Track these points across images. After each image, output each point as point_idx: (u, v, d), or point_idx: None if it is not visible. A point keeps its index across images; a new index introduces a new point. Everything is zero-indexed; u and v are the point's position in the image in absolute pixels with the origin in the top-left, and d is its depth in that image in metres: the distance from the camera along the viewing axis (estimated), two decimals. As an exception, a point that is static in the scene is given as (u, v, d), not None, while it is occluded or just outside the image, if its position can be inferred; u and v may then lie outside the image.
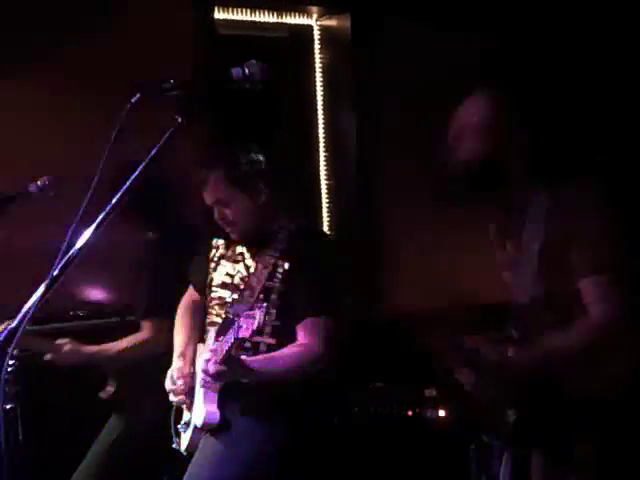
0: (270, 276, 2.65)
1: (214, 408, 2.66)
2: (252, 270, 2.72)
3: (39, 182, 2.71)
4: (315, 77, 4.91)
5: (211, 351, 2.60)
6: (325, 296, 2.66)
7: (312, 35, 4.91)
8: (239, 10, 4.67)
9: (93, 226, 1.86)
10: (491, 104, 2.36)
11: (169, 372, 2.83)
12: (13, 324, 1.75)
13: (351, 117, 4.85)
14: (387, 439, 3.99)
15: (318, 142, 4.91)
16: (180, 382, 2.77)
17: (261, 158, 2.78)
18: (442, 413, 3.86)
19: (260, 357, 2.62)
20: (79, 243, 1.84)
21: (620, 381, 2.28)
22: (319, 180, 4.91)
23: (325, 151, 4.92)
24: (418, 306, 4.61)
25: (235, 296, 2.74)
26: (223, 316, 2.79)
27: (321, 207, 4.91)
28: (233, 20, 4.66)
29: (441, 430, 3.87)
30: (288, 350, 2.64)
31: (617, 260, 2.23)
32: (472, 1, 4.89)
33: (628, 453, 2.29)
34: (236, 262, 2.80)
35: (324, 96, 4.91)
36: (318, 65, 4.91)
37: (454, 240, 4.86)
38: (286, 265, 2.65)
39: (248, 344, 2.63)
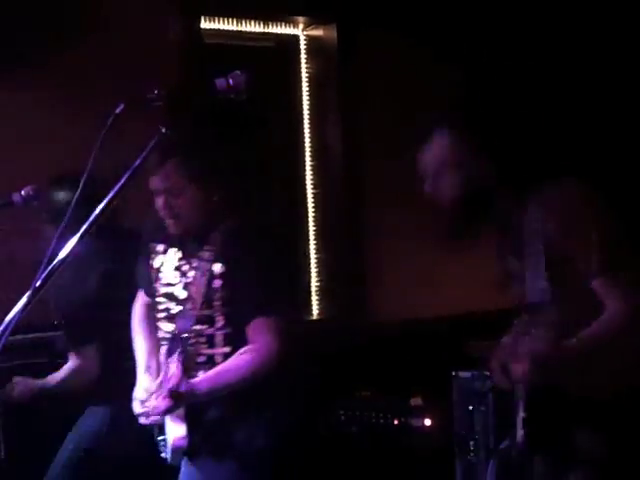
0: (209, 283, 2.56)
1: (182, 432, 2.58)
2: (190, 279, 2.61)
3: (23, 192, 2.69)
4: (301, 87, 4.92)
5: (161, 383, 2.55)
6: (269, 294, 2.58)
7: (298, 45, 4.92)
8: (226, 20, 4.68)
9: (77, 236, 1.86)
10: (459, 137, 2.37)
11: (136, 392, 2.70)
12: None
13: (337, 126, 4.87)
14: (373, 448, 3.99)
15: (304, 151, 4.92)
16: (152, 403, 2.64)
17: (222, 155, 2.69)
18: (428, 422, 3.86)
19: (210, 374, 2.56)
20: (62, 253, 1.84)
21: (625, 381, 2.30)
22: (305, 189, 4.92)
23: (311, 160, 4.93)
24: (403, 315, 4.62)
25: (180, 308, 2.64)
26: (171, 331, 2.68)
27: (307, 215, 4.92)
28: (220, 30, 4.67)
29: (427, 439, 3.87)
30: (238, 358, 2.56)
31: (622, 257, 2.28)
32: (455, 16, 4.92)
33: (634, 454, 2.31)
34: (175, 269, 2.68)
35: (310, 105, 4.92)
36: (304, 75, 4.92)
37: (438, 249, 4.87)
38: (223, 268, 2.57)
39: (203, 358, 2.57)
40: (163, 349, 2.67)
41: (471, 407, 3.53)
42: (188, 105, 2.15)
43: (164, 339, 2.69)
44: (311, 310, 4.89)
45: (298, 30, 4.92)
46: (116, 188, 1.91)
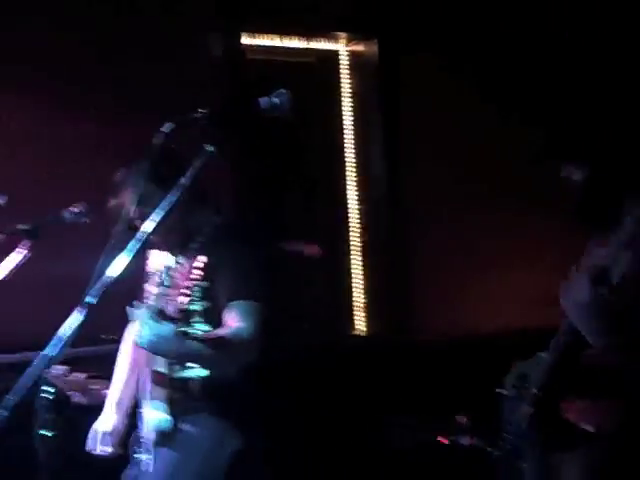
0: (191, 273, 2.58)
1: (164, 415, 2.59)
2: (175, 272, 2.64)
3: (73, 209, 2.74)
4: (343, 102, 4.93)
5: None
6: (248, 281, 2.58)
7: (340, 60, 4.93)
8: (268, 36, 4.71)
9: (128, 254, 1.89)
10: None
11: (99, 424, 2.76)
12: (51, 351, 1.78)
13: (380, 139, 4.86)
14: (419, 465, 3.96)
15: (347, 167, 4.91)
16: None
17: (171, 151, 2.47)
18: (474, 440, 3.82)
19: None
20: (115, 270, 1.88)
21: None
22: (349, 205, 4.90)
23: (355, 175, 4.93)
24: (448, 331, 4.60)
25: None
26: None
27: (352, 232, 4.89)
28: (261, 46, 4.71)
29: (473, 457, 3.83)
30: (221, 328, 2.55)
31: None
32: (497, 35, 4.91)
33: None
34: (165, 269, 2.69)
35: (353, 120, 4.92)
36: (346, 90, 4.93)
37: (486, 264, 4.85)
38: (205, 260, 2.59)
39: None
40: None
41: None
42: (233, 123, 2.18)
43: None
44: (357, 326, 4.87)
45: (339, 45, 4.94)
46: (167, 206, 1.95)
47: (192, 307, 2.59)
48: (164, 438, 2.62)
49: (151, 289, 2.74)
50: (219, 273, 2.58)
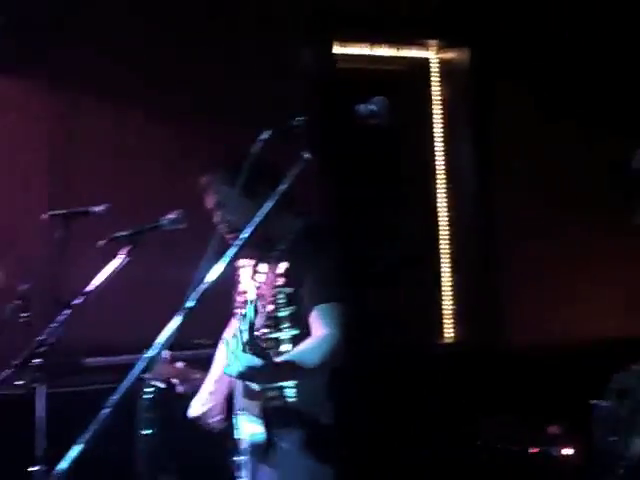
0: (275, 281, 2.57)
1: (259, 429, 2.58)
2: (260, 282, 2.64)
3: (170, 215, 2.80)
4: (433, 109, 4.91)
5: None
6: (329, 283, 2.55)
7: (431, 68, 4.91)
8: (358, 45, 4.73)
9: (225, 259, 1.93)
10: None
11: (198, 398, 2.77)
12: (152, 353, 1.83)
13: (470, 148, 4.83)
14: (508, 476, 3.91)
15: (437, 174, 4.89)
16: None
17: (263, 159, 2.43)
18: (567, 451, 3.75)
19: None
20: (212, 275, 1.92)
21: None
22: (439, 211, 4.87)
23: (444, 183, 4.90)
24: (540, 339, 4.53)
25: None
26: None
27: (442, 240, 4.87)
28: (352, 55, 4.73)
29: (565, 469, 3.76)
30: (310, 341, 2.52)
31: None
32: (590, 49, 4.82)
33: None
34: (250, 278, 2.73)
35: (443, 128, 4.90)
36: (436, 98, 4.91)
37: (577, 273, 4.76)
38: (287, 266, 2.58)
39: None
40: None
41: (612, 438, 3.41)
42: (329, 131, 2.20)
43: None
44: (446, 334, 4.83)
45: (430, 53, 4.93)
46: (264, 213, 1.98)
47: (280, 314, 2.60)
48: (263, 454, 2.61)
49: (240, 300, 2.76)
50: (301, 277, 2.58)
